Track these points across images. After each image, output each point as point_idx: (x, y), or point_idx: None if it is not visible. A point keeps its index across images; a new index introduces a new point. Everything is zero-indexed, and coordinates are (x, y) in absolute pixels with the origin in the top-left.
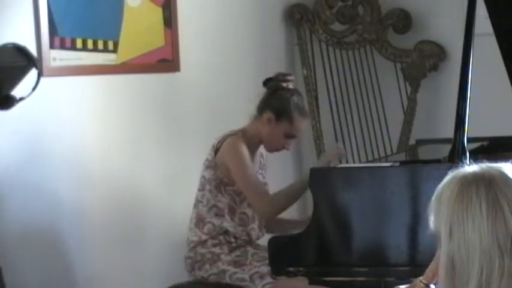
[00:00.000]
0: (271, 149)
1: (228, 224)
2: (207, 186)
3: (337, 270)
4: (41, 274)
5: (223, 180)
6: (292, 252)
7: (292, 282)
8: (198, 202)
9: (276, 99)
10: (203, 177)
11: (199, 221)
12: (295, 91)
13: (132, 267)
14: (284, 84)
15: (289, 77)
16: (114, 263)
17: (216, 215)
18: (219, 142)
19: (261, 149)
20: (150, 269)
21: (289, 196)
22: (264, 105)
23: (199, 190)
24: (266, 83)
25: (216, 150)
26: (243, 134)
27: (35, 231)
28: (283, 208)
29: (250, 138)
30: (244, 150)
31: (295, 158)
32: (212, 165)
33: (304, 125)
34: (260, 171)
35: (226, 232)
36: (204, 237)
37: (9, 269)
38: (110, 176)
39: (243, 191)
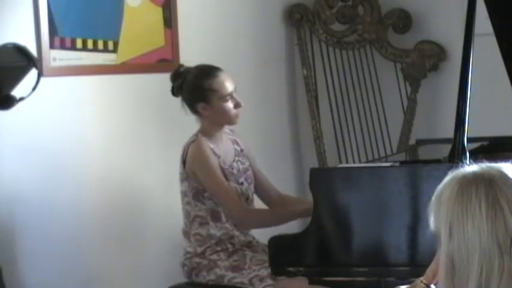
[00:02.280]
0: (232, 120)
1: (214, 230)
2: (185, 199)
3: (337, 270)
4: (40, 274)
5: (199, 189)
6: (292, 252)
7: (292, 282)
8: (183, 216)
9: (188, 93)
10: (181, 191)
11: (185, 234)
12: (185, 70)
13: (132, 267)
14: (178, 81)
15: (179, 71)
16: (114, 263)
17: (200, 224)
18: (184, 153)
19: (232, 136)
20: (150, 269)
21: (273, 220)
22: (190, 106)
23: (182, 205)
24: (173, 92)
25: (184, 161)
26: (202, 133)
27: (35, 231)
28: (259, 226)
29: (210, 130)
30: (208, 153)
31: (295, 158)
32: (184, 177)
33: (224, 78)
34: (237, 158)
35: (220, 240)
36: (199, 249)
37: (9, 269)
38: (110, 175)
39: (215, 198)
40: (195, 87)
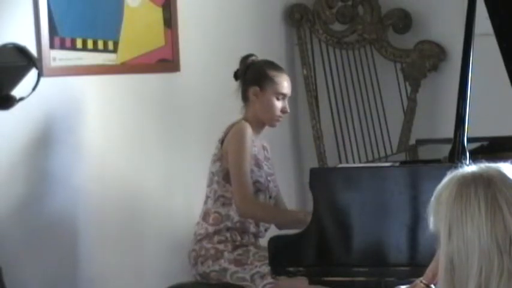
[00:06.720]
0: (272, 119)
1: (234, 212)
2: (215, 178)
3: (337, 270)
4: (41, 274)
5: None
6: (292, 252)
7: (292, 282)
8: (207, 198)
9: (250, 74)
10: (211, 172)
11: (205, 215)
12: (262, 60)
13: (132, 267)
14: (249, 61)
15: (250, 58)
16: (114, 263)
17: (223, 204)
18: (224, 133)
19: (264, 143)
20: (150, 269)
21: (275, 217)
22: (245, 88)
23: (207, 186)
24: (236, 75)
25: (222, 141)
26: (246, 120)
27: (35, 231)
28: (259, 219)
29: (252, 122)
30: (249, 137)
31: (295, 158)
32: (219, 157)
33: (286, 80)
34: (265, 162)
35: (234, 228)
36: (210, 229)
37: (9, 269)
38: (110, 175)
39: (231, 178)
40: (260, 70)
